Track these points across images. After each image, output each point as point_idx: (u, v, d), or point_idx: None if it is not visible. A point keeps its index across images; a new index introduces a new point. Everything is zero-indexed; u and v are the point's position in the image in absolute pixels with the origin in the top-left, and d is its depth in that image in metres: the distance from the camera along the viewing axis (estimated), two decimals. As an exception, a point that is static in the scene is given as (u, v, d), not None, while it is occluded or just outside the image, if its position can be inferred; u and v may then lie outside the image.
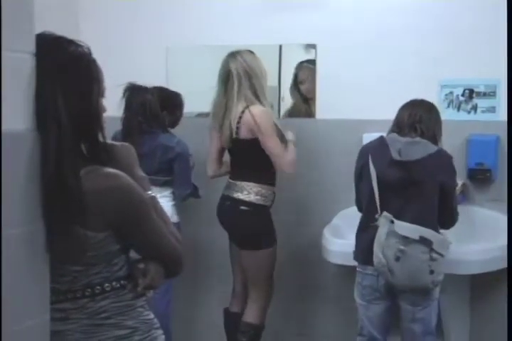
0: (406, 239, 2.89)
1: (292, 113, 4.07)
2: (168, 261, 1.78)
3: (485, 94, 3.71)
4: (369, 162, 3.04)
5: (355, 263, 3.16)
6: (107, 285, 1.69)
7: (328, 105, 3.93)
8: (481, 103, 3.72)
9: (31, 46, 1.43)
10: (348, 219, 3.64)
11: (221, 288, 4.05)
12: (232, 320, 3.67)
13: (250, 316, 3.56)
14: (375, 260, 2.93)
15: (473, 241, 3.46)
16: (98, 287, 1.68)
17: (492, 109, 3.70)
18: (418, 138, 3.02)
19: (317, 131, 3.96)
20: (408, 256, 2.88)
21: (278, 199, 3.59)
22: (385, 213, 2.95)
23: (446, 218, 3.06)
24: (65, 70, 1.58)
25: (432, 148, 3.00)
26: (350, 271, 3.32)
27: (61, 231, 1.53)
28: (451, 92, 3.76)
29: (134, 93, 3.60)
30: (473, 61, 3.70)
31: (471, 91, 3.73)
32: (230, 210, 3.49)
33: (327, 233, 3.56)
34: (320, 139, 3.95)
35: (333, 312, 4.00)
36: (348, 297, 3.40)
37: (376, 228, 2.95)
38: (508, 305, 2.66)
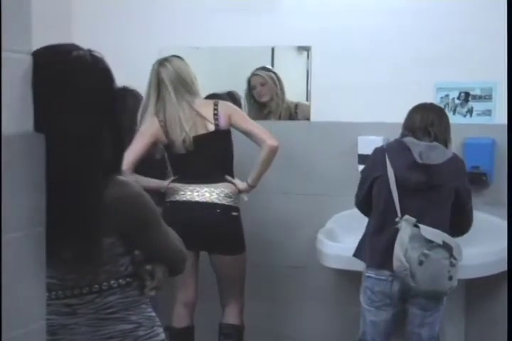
0: (429, 244, 2.89)
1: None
2: (172, 264, 1.86)
3: (481, 97, 3.70)
4: (386, 164, 3.01)
5: (351, 267, 3.14)
6: (113, 282, 1.73)
7: (322, 108, 3.91)
8: (477, 106, 3.71)
9: (29, 46, 1.40)
10: (343, 222, 3.62)
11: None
12: (186, 337, 3.55)
13: (232, 318, 3.53)
14: (396, 263, 2.89)
15: (469, 245, 3.42)
16: (105, 283, 1.72)
17: (488, 112, 3.69)
18: (436, 143, 3.03)
19: (311, 133, 3.93)
20: (431, 260, 2.88)
21: (271, 203, 3.56)
22: (406, 216, 2.92)
23: (463, 222, 3.09)
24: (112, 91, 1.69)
25: (449, 153, 3.03)
26: (345, 274, 3.30)
27: (77, 237, 1.58)
28: (446, 95, 3.74)
29: (127, 96, 3.58)
30: (469, 64, 3.69)
31: (467, 94, 3.72)
32: (220, 218, 3.39)
33: (321, 237, 3.54)
34: (314, 142, 3.93)
35: (328, 317, 3.97)
36: (343, 301, 3.39)
37: (393, 231, 2.92)
38: (508, 308, 2.64)
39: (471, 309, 3.70)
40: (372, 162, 3.15)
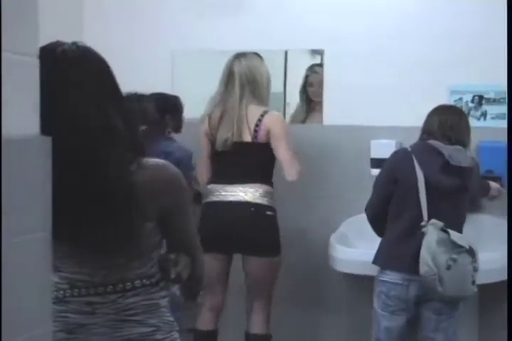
0: (457, 248, 2.87)
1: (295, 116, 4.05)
2: (197, 262, 1.82)
3: (495, 101, 3.67)
4: (414, 166, 2.97)
5: (364, 272, 3.11)
6: (137, 282, 1.71)
7: (335, 111, 3.89)
8: (491, 109, 3.68)
9: (35, 48, 1.39)
10: (356, 227, 3.60)
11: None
12: (209, 340, 3.52)
13: (259, 327, 3.46)
14: (424, 268, 2.85)
15: (484, 249, 3.39)
16: (129, 283, 1.70)
17: (502, 116, 3.66)
18: (459, 146, 3.01)
19: (324, 137, 3.92)
20: (459, 265, 2.87)
21: (284, 207, 3.54)
22: (433, 220, 2.90)
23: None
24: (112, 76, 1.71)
25: (470, 157, 3.03)
26: (357, 279, 3.27)
27: (116, 221, 1.60)
28: (460, 98, 3.72)
29: (131, 102, 3.58)
30: (482, 67, 3.67)
31: (481, 97, 3.69)
32: (254, 217, 3.34)
33: (334, 241, 3.52)
34: (327, 145, 3.91)
35: (340, 322, 3.95)
36: (355, 306, 3.37)
37: (418, 236, 2.89)
38: (508, 315, 2.62)
39: (485, 314, 3.66)
40: (394, 165, 3.09)
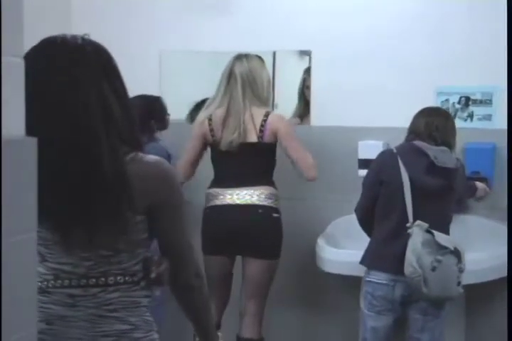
0: (441, 250, 2.88)
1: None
2: (187, 263, 1.81)
3: (481, 102, 3.68)
4: (399, 167, 2.97)
5: (352, 273, 3.12)
6: (120, 278, 1.71)
7: (323, 112, 3.90)
8: (478, 111, 3.69)
9: (20, 49, 1.39)
10: (343, 227, 3.61)
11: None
12: None
13: (252, 331, 3.44)
14: (409, 269, 2.86)
15: (470, 250, 3.40)
16: (111, 278, 1.70)
17: (488, 117, 3.67)
18: (444, 147, 3.02)
19: (312, 138, 3.91)
20: (444, 266, 2.87)
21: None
22: (419, 221, 2.90)
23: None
24: (113, 69, 1.78)
25: (455, 158, 3.03)
26: (345, 280, 3.28)
27: (107, 211, 1.63)
28: (447, 100, 3.73)
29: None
30: (469, 68, 3.68)
31: (468, 98, 3.70)
32: (262, 218, 3.33)
33: (322, 242, 3.52)
34: (315, 146, 3.89)
35: (330, 323, 3.95)
36: (343, 307, 3.37)
37: (404, 237, 2.90)
38: (508, 314, 2.62)
39: (472, 314, 3.67)
40: (379, 166, 3.10)
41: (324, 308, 3.95)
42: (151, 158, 1.74)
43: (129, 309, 1.73)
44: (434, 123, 3.05)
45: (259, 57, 3.47)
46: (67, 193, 1.62)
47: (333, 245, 3.48)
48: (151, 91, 3.85)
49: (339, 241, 3.55)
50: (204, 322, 1.91)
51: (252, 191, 3.32)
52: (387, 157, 3.07)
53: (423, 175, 2.96)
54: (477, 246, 3.45)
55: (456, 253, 2.90)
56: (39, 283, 1.67)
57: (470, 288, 3.44)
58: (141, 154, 1.72)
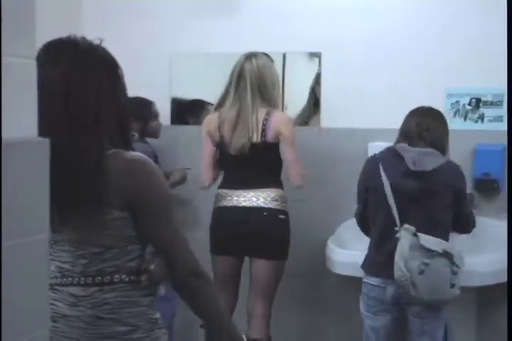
0: (429, 252, 2.84)
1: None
2: (177, 262, 1.77)
3: (492, 104, 3.67)
4: (380, 173, 2.97)
5: (360, 274, 3.11)
6: (116, 276, 1.73)
7: (333, 113, 3.89)
8: (488, 112, 3.68)
9: (33, 51, 1.39)
10: (353, 229, 3.58)
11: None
12: None
13: (260, 332, 3.42)
14: (397, 273, 2.85)
15: (481, 252, 3.41)
16: (108, 277, 1.72)
17: (499, 119, 3.66)
18: (429, 149, 2.97)
19: (321, 139, 3.91)
20: (432, 269, 2.83)
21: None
22: (406, 225, 2.88)
23: (463, 224, 3.06)
24: (110, 69, 1.80)
25: (443, 159, 2.96)
26: (354, 282, 3.27)
27: (85, 207, 1.65)
28: (457, 101, 3.72)
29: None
30: (480, 70, 3.68)
31: (478, 100, 3.69)
32: (267, 220, 3.33)
33: (331, 244, 3.52)
34: (324, 148, 3.91)
35: (337, 324, 3.95)
36: (352, 308, 3.35)
37: (393, 241, 2.89)
38: (508, 315, 2.61)
39: (483, 317, 3.66)
40: (364, 173, 3.10)
41: (334, 309, 3.95)
42: (131, 154, 1.74)
43: (128, 309, 1.74)
44: (425, 123, 3.02)
45: (268, 56, 3.46)
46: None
47: (343, 246, 3.48)
48: (162, 93, 3.86)
49: (349, 243, 3.54)
50: (211, 322, 1.88)
51: (259, 193, 3.33)
52: (370, 163, 3.07)
53: (401, 179, 2.94)
54: (489, 248, 3.44)
55: (447, 256, 2.85)
56: (50, 280, 1.69)
57: (481, 290, 3.44)
58: (121, 151, 1.72)
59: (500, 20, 3.60)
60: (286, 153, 3.34)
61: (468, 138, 3.64)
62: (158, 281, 1.80)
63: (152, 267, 1.75)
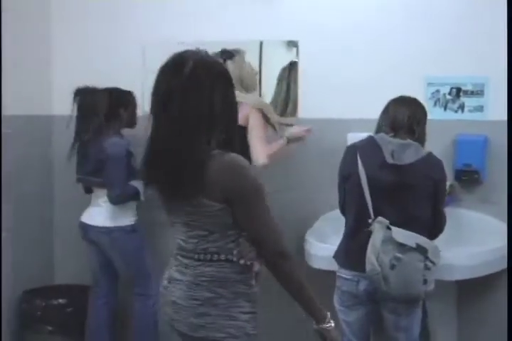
0: (402, 247, 2.76)
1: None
2: (258, 242, 2.07)
3: (472, 93, 3.60)
4: (358, 162, 2.89)
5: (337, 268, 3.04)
6: (216, 255, 2.08)
7: (310, 104, 3.81)
8: (469, 102, 3.61)
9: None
10: (332, 222, 3.53)
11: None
12: None
13: None
14: (369, 267, 2.77)
15: (461, 244, 3.35)
16: (210, 255, 2.08)
17: (480, 108, 3.59)
18: (409, 140, 2.89)
19: (300, 130, 3.83)
20: (404, 264, 2.75)
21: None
22: (380, 218, 2.80)
23: (434, 223, 2.94)
24: (224, 80, 2.04)
25: (423, 152, 2.88)
26: (333, 276, 3.20)
27: (188, 198, 2.00)
28: (437, 90, 3.65)
29: (84, 96, 3.61)
30: (460, 58, 3.60)
31: (459, 89, 3.62)
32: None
33: (310, 237, 3.45)
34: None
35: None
36: (330, 302, 3.29)
37: (366, 233, 2.81)
38: (508, 307, 2.56)
39: (463, 309, 3.61)
40: (342, 162, 3.02)
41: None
42: (229, 155, 2.00)
43: (217, 282, 2.09)
44: (416, 117, 2.95)
45: (237, 51, 3.47)
46: (165, 177, 2.03)
47: (322, 240, 3.41)
48: (135, 84, 3.78)
49: (328, 236, 3.47)
50: (297, 296, 2.20)
51: None
52: (349, 153, 2.99)
53: (378, 171, 2.86)
54: (470, 240, 3.39)
55: (421, 250, 2.77)
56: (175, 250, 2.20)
57: (461, 283, 3.38)
58: (223, 152, 1.99)
59: (482, 7, 3.55)
60: (250, 135, 3.34)
61: (448, 129, 3.57)
62: (246, 262, 2.10)
63: (245, 250, 2.08)
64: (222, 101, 1.99)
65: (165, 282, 2.21)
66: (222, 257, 2.09)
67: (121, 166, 3.54)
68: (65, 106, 3.69)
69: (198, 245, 2.10)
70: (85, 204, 3.78)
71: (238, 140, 2.11)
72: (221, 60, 3.37)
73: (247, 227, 2.06)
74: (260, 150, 3.32)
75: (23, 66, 3.98)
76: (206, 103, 1.96)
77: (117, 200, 3.59)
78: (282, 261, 2.09)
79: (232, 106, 2.06)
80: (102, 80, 3.63)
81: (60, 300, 4.00)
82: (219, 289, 2.10)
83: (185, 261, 2.15)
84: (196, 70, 1.96)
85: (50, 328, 3.96)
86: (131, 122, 3.73)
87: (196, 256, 2.11)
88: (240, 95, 3.33)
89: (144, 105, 3.95)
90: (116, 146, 3.56)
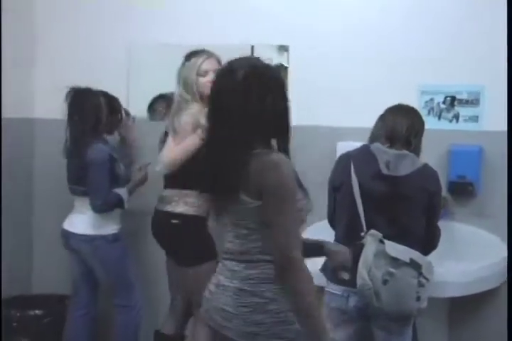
0: (396, 261, 2.65)
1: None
2: (274, 247, 1.99)
3: (467, 102, 3.50)
4: (351, 172, 2.78)
5: (321, 283, 2.90)
6: (258, 256, 2.05)
7: (300, 111, 3.67)
8: (464, 111, 3.51)
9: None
10: (320, 233, 3.39)
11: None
12: None
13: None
14: (360, 281, 2.65)
15: (454, 259, 3.24)
16: (252, 256, 2.05)
17: (475, 118, 3.50)
18: (405, 151, 2.78)
19: (288, 138, 3.72)
20: (397, 279, 2.64)
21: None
22: (372, 231, 2.69)
23: (428, 238, 2.81)
24: (276, 84, 2.08)
25: (419, 163, 2.78)
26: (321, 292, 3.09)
27: (228, 196, 2.02)
28: (431, 99, 3.55)
29: (84, 97, 3.48)
30: (455, 66, 3.51)
31: (453, 98, 3.52)
32: (161, 224, 3.34)
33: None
34: (291, 147, 3.69)
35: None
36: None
37: (358, 246, 2.68)
38: (508, 317, 2.46)
39: (455, 327, 3.51)
40: (334, 171, 2.92)
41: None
42: (271, 155, 2.01)
43: (265, 285, 2.04)
44: (415, 128, 2.84)
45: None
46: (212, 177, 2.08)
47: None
48: (119, 86, 3.69)
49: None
50: (301, 322, 2.01)
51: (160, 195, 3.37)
52: (342, 162, 2.89)
53: (372, 181, 2.75)
54: (464, 255, 3.29)
55: (415, 266, 2.66)
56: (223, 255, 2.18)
57: (453, 299, 3.28)
58: (264, 152, 2.01)
59: (477, 16, 3.48)
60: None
61: (442, 139, 3.48)
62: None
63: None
64: (273, 107, 2.03)
65: (212, 287, 2.15)
66: (266, 258, 2.04)
67: (104, 173, 3.42)
68: (47, 109, 3.59)
69: (241, 245, 2.08)
70: (66, 211, 3.66)
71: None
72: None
73: (268, 224, 2.01)
74: (168, 155, 3.23)
75: (6, 67, 3.88)
76: (257, 108, 1.99)
77: (100, 209, 3.47)
78: (289, 267, 1.96)
79: (284, 111, 2.08)
80: (85, 82, 3.52)
81: (37, 311, 3.87)
82: (267, 293, 2.04)
83: (230, 264, 2.11)
84: (248, 78, 2.00)
85: (25, 340, 3.82)
86: (112, 129, 3.65)
87: (240, 258, 2.08)
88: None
89: (128, 107, 3.87)
90: (98, 152, 3.43)
